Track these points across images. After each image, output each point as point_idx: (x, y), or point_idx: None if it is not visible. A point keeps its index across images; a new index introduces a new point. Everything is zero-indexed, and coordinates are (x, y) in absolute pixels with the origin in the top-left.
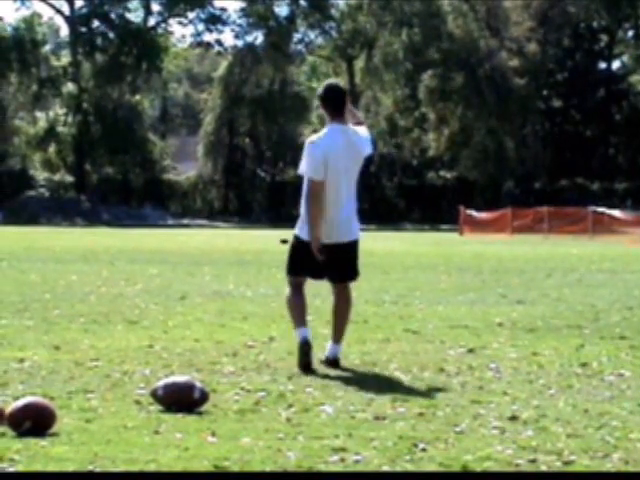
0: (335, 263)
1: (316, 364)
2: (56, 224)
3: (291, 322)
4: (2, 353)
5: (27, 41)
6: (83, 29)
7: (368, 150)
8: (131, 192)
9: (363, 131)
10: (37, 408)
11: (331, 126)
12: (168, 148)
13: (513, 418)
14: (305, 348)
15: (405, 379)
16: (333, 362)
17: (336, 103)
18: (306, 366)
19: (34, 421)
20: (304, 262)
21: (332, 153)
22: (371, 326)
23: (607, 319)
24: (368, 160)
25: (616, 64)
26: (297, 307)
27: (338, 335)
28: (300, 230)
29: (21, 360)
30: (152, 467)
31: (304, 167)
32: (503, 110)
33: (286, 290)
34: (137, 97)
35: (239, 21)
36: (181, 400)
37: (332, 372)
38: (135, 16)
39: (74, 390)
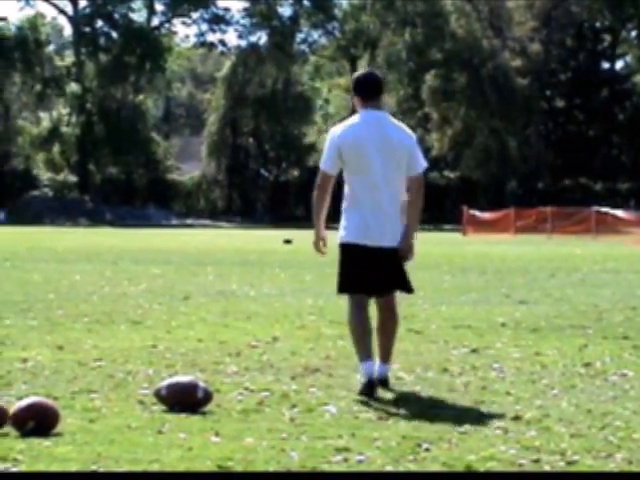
0: (374, 270)
1: (321, 365)
2: (59, 224)
3: (354, 350)
4: (6, 353)
5: (31, 41)
6: (86, 29)
7: (419, 164)
8: (134, 192)
9: (408, 132)
10: (41, 408)
11: (362, 112)
12: (171, 148)
13: (516, 418)
14: (367, 391)
15: (408, 379)
16: (383, 382)
17: (369, 87)
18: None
19: (38, 421)
20: (356, 270)
21: (350, 144)
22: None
23: (610, 319)
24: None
25: (619, 64)
26: (359, 333)
27: (384, 354)
28: (340, 235)
29: (24, 360)
30: (155, 467)
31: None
32: (506, 110)
33: (347, 310)
34: (140, 97)
35: (242, 21)
36: (184, 400)
37: (334, 372)
38: (138, 16)
39: (77, 390)
